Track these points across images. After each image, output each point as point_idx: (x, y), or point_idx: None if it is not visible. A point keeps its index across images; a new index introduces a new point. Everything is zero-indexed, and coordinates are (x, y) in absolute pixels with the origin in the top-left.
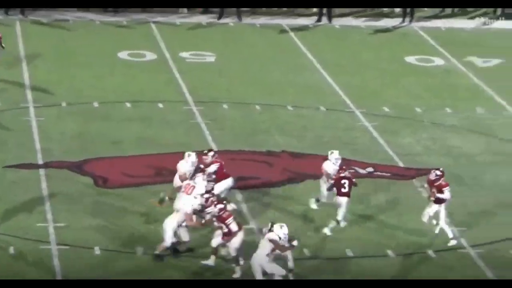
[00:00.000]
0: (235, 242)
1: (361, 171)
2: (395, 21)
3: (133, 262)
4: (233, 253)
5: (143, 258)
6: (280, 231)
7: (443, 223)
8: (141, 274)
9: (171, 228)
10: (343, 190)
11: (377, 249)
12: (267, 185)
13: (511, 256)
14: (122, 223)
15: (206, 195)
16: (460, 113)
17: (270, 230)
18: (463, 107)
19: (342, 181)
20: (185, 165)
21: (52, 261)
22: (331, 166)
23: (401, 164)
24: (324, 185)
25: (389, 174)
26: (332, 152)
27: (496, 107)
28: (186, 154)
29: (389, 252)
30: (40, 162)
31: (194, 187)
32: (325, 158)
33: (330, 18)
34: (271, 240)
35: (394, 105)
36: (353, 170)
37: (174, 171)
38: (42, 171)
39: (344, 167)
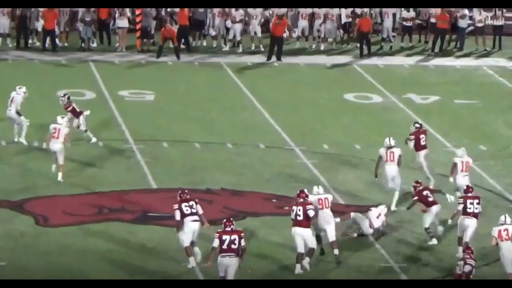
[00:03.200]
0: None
1: None
2: (334, 59)
3: None
4: None
5: None
6: None
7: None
8: None
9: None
10: None
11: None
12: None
13: None
14: (63, 262)
15: None
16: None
17: None
18: (403, 143)
19: None
20: None
21: None
22: None
23: (341, 201)
24: None
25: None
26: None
27: (436, 143)
28: None
29: None
30: None
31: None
32: (265, 196)
33: (279, 56)
34: None
35: (333, 142)
36: None
37: (115, 209)
38: None
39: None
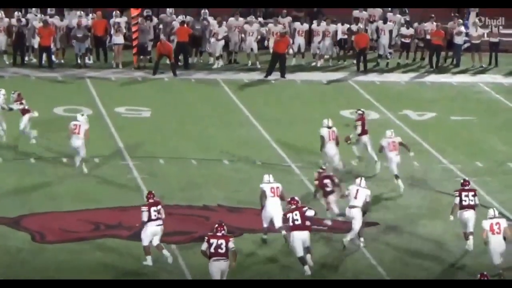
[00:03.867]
0: None
1: None
2: (330, 76)
3: None
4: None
5: None
6: None
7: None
8: None
9: None
10: None
11: None
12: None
13: None
14: (59, 278)
15: None
16: None
17: None
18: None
19: None
20: None
21: None
22: None
23: (338, 218)
24: None
25: (326, 228)
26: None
27: (432, 159)
28: None
29: None
30: None
31: None
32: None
33: (283, 73)
34: None
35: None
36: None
37: (111, 226)
38: None
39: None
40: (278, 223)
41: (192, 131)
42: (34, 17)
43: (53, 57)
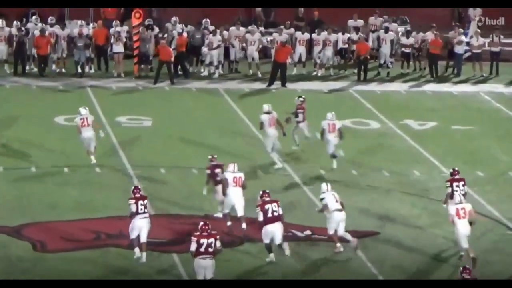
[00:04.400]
0: None
1: (299, 234)
2: (331, 85)
3: None
4: None
5: None
6: None
7: None
8: None
9: None
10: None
11: None
12: None
13: None
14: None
15: None
16: (397, 176)
17: None
18: (400, 169)
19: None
20: None
21: None
22: None
23: None
24: None
25: (326, 237)
26: None
27: (433, 169)
28: None
29: None
30: None
31: None
32: None
33: (284, 82)
34: None
35: (330, 168)
36: (291, 233)
37: (112, 235)
38: None
39: None
40: (240, 211)
41: (193, 140)
42: (35, 27)
43: (54, 66)
